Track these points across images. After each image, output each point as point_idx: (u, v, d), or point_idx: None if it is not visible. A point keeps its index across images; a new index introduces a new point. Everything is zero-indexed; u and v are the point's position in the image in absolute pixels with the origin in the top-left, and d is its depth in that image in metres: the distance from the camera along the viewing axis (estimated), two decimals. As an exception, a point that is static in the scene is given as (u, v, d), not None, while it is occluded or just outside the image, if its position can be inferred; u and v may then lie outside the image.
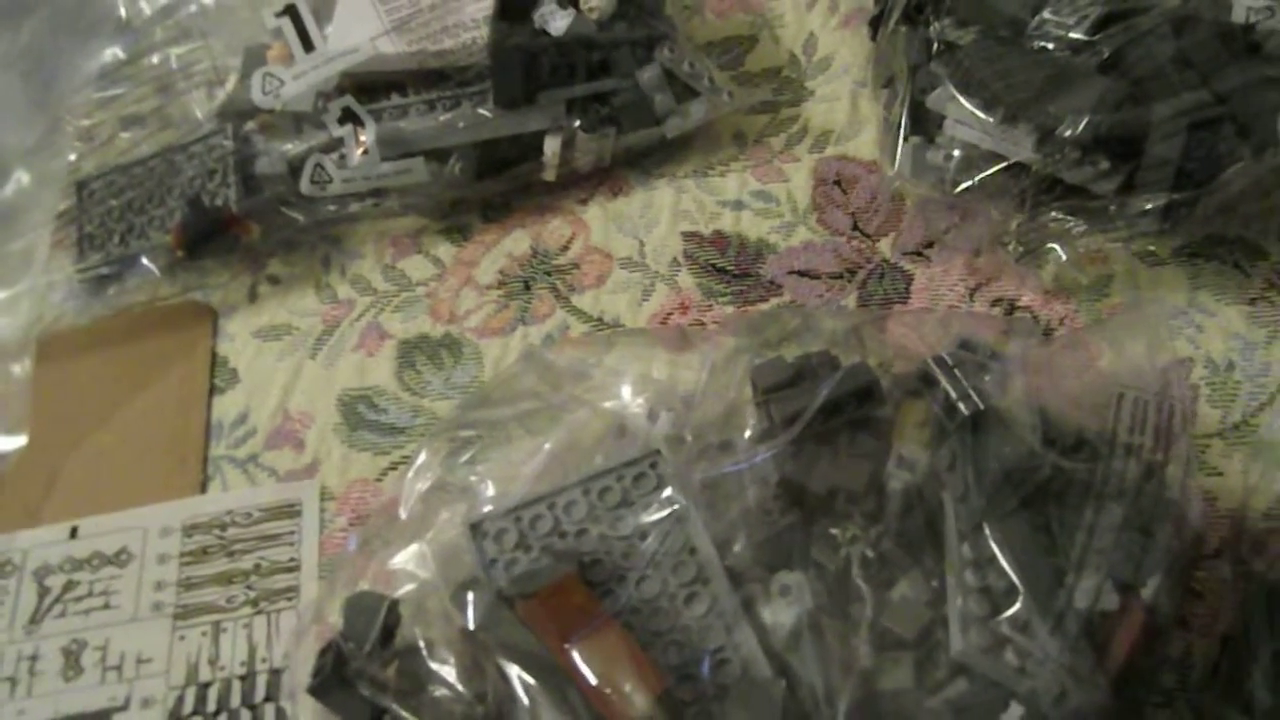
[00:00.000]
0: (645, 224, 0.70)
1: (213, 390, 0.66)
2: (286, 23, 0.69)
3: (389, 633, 0.47)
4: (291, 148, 0.69)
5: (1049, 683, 0.39)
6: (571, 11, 0.67)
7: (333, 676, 0.46)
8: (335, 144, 0.68)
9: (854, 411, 0.47)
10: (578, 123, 0.68)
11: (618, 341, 0.57)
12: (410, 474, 0.51)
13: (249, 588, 0.58)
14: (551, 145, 0.68)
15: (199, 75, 0.74)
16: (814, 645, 0.42)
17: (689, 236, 0.69)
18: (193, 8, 0.76)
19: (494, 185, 0.70)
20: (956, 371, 0.47)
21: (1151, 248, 0.62)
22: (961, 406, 0.46)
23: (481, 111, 0.67)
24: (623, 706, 0.39)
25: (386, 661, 0.46)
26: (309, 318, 0.68)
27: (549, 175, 0.70)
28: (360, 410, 0.64)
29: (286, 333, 0.68)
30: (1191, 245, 0.62)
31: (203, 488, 0.62)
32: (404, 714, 0.45)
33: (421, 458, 0.51)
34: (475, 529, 0.46)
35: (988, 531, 0.43)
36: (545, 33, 0.67)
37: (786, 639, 0.43)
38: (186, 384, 0.66)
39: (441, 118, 0.68)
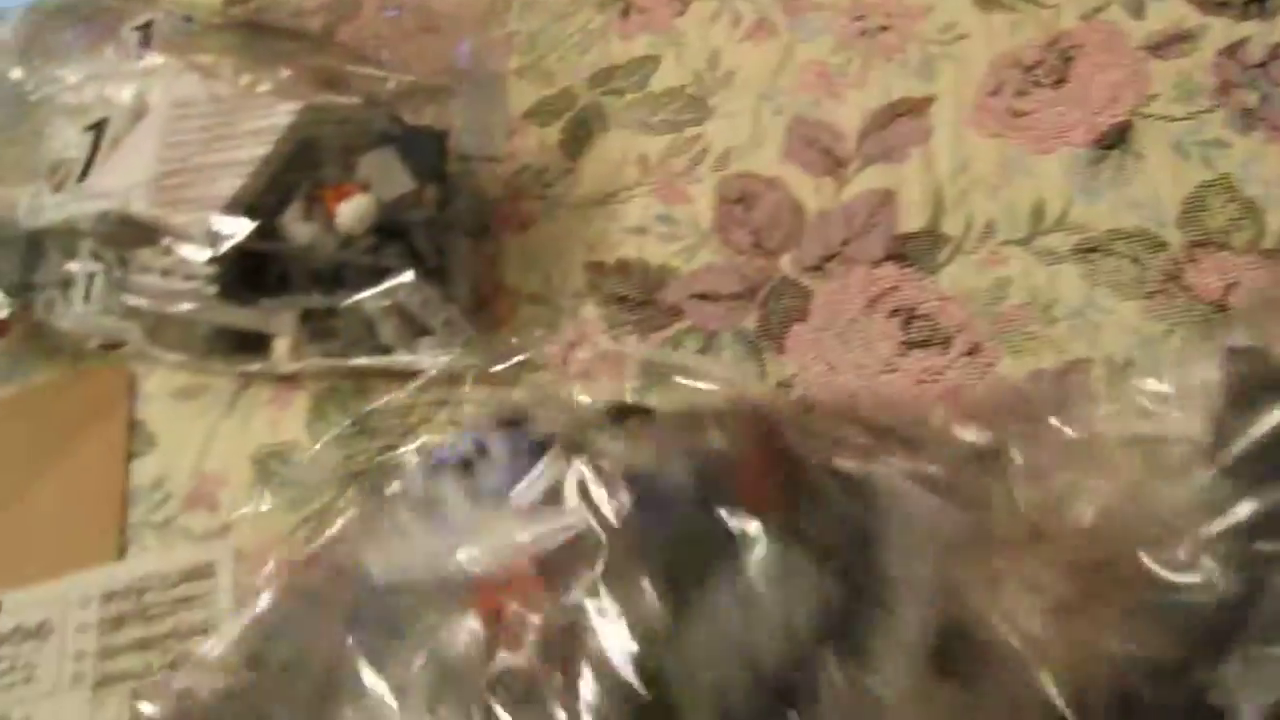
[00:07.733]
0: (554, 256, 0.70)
1: (131, 455, 0.67)
2: (88, 139, 0.68)
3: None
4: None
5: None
6: (314, 225, 0.63)
7: None
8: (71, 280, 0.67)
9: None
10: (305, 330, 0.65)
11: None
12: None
13: (165, 651, 0.59)
14: (280, 347, 0.65)
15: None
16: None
17: (592, 267, 0.69)
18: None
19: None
20: None
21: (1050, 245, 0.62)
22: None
23: (209, 292, 0.63)
24: None
25: None
26: (222, 377, 0.69)
27: (282, 369, 0.66)
28: (273, 466, 0.65)
29: (202, 392, 0.69)
30: (1090, 241, 0.62)
31: (122, 554, 0.63)
32: None
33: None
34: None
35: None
36: (283, 237, 0.63)
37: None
38: (104, 450, 0.67)
39: (175, 285, 0.64)
